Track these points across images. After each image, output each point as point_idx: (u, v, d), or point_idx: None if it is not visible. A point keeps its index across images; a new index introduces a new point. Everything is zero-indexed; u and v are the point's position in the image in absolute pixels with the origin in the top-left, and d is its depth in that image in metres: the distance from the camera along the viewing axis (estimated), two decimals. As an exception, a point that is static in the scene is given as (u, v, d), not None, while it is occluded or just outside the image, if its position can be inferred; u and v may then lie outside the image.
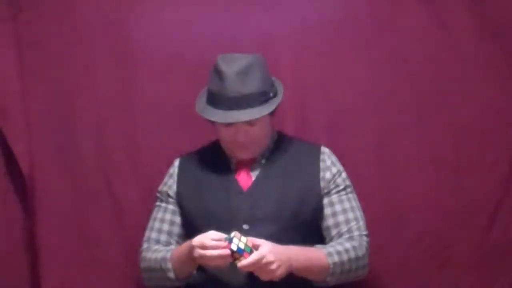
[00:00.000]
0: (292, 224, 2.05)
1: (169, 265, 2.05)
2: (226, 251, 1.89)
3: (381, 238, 2.25)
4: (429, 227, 2.38)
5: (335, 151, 2.23)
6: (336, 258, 2.01)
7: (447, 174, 2.39)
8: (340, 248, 2.04)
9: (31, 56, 2.42)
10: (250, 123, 2.06)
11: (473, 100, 2.39)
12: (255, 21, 2.44)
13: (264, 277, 1.92)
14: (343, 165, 2.21)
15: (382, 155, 2.40)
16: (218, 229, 1.94)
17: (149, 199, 2.27)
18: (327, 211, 2.12)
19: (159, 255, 2.09)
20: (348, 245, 2.06)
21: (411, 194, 2.38)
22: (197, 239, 1.94)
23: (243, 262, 1.88)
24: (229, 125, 2.06)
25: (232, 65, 2.04)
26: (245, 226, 2.04)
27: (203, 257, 1.92)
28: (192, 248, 1.95)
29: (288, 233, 2.04)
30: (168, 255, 2.07)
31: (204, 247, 1.92)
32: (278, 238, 1.97)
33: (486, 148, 2.39)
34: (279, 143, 2.20)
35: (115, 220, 2.41)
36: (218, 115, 2.05)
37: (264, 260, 1.88)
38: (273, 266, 1.90)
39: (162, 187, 2.22)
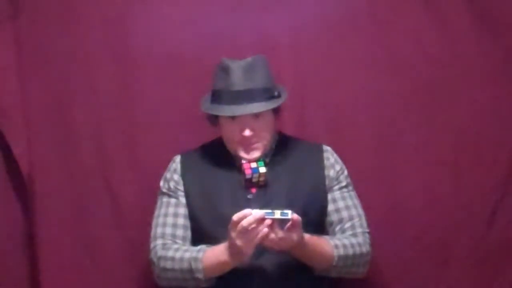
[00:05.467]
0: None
1: (200, 265, 1.99)
2: (261, 213, 1.87)
3: (380, 237, 2.24)
4: (429, 226, 2.38)
5: (335, 150, 2.23)
6: (341, 251, 2.03)
7: (447, 173, 2.39)
8: (346, 242, 2.06)
9: (31, 56, 2.42)
10: (256, 117, 2.07)
11: (473, 100, 2.40)
12: (255, 21, 2.44)
13: (280, 244, 1.91)
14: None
15: (382, 155, 2.40)
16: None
17: (149, 199, 2.26)
18: (330, 207, 2.13)
19: (186, 255, 2.02)
20: (354, 240, 2.08)
21: (410, 194, 2.39)
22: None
23: (294, 215, 1.88)
24: (235, 120, 2.07)
25: (238, 62, 2.07)
26: None
27: (241, 231, 1.86)
28: (229, 228, 1.90)
29: None
30: (200, 255, 2.00)
31: (243, 216, 1.87)
32: None
33: (486, 148, 2.39)
34: (281, 143, 2.20)
35: (114, 219, 2.40)
36: (225, 110, 2.06)
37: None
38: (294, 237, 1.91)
39: (168, 183, 2.17)
